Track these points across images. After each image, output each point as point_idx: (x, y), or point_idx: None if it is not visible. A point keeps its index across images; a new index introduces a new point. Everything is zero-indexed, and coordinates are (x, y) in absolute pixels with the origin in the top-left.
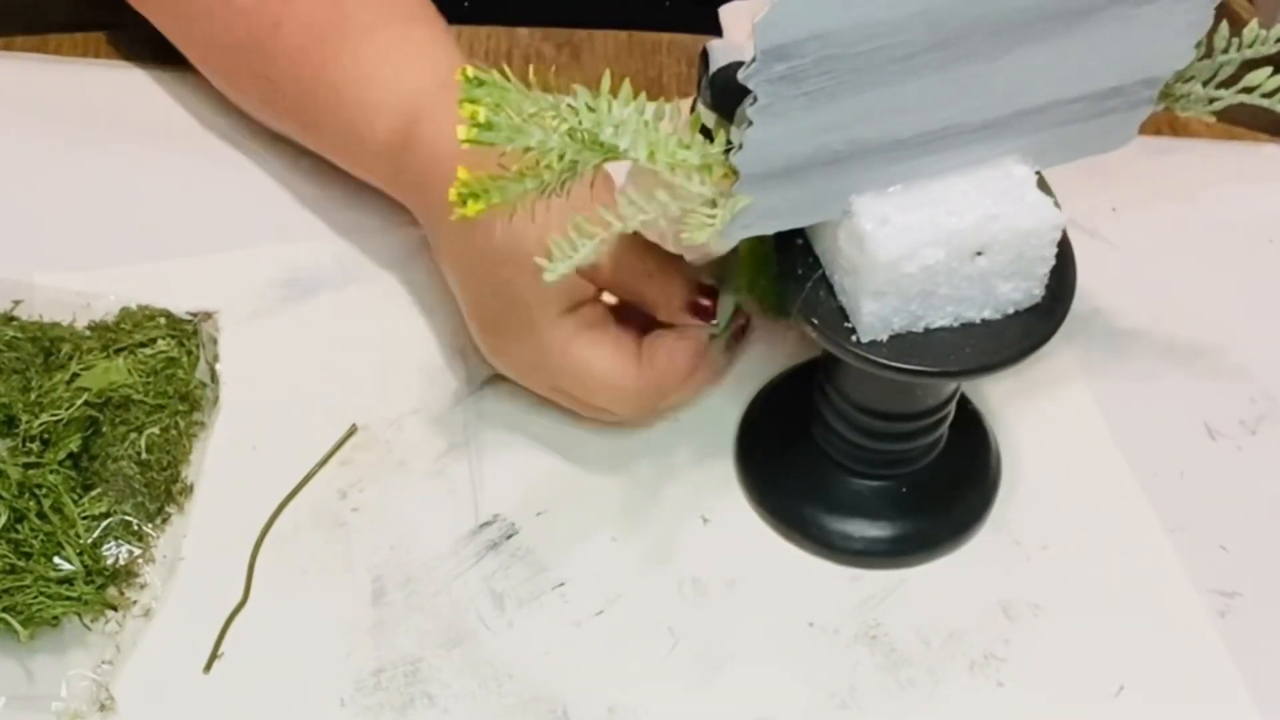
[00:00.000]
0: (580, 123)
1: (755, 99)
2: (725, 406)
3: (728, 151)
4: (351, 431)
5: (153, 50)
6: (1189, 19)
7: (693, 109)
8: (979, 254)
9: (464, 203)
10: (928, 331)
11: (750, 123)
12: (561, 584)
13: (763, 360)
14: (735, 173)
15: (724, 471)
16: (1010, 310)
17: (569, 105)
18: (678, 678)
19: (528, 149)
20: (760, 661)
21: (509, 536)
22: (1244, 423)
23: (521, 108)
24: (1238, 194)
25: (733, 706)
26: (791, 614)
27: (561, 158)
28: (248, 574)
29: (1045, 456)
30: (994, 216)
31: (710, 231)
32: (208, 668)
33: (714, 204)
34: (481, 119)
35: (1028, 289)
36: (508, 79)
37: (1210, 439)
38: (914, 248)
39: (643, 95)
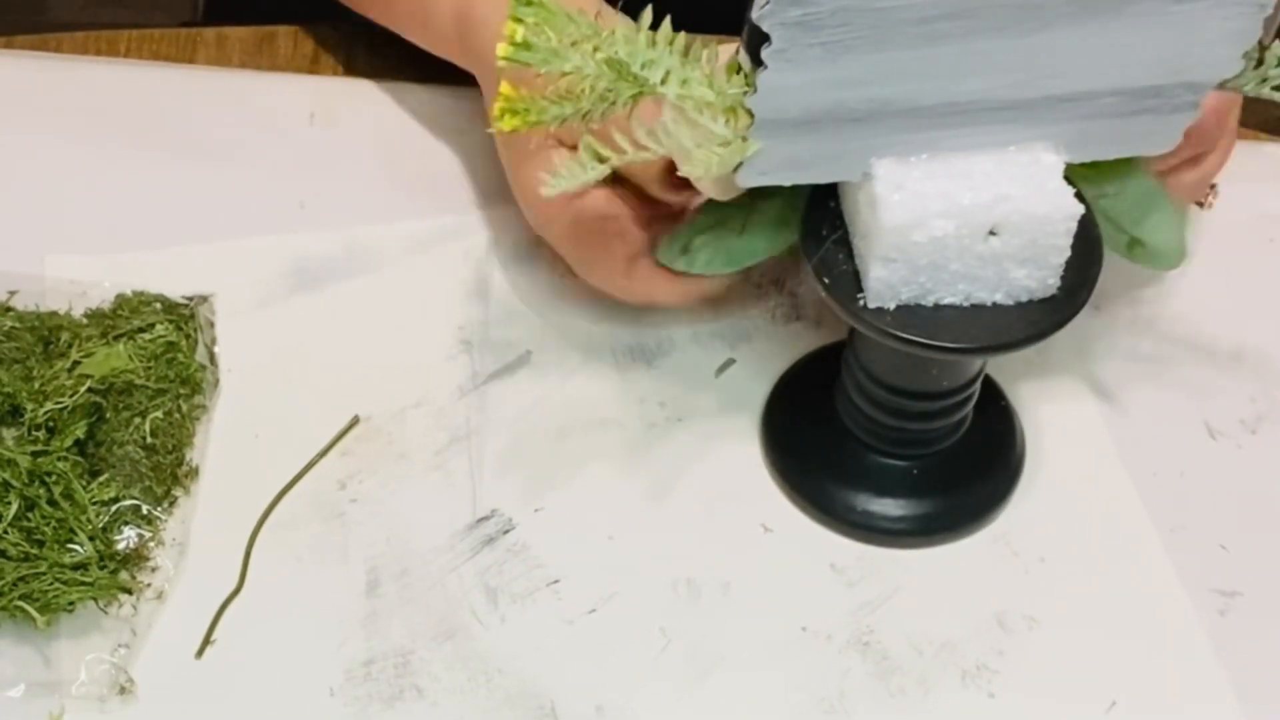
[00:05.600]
0: (616, 52)
1: (770, 41)
2: (730, 408)
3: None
4: (353, 422)
5: (153, 49)
6: (1232, 25)
7: (738, 51)
8: (993, 234)
9: (503, 117)
10: (937, 307)
11: (764, 65)
12: (556, 581)
13: (772, 341)
14: (751, 116)
15: (725, 473)
16: (1024, 298)
17: (609, 34)
18: (667, 679)
19: (563, 74)
20: (751, 665)
21: (506, 532)
22: (1244, 422)
23: (566, 32)
24: (1238, 194)
25: (721, 709)
26: (785, 618)
27: (594, 87)
28: (244, 562)
29: (1048, 464)
30: (1007, 197)
31: (706, 168)
32: (199, 654)
33: (726, 143)
34: (519, 38)
35: (1042, 278)
36: (561, 7)
37: (1210, 438)
38: (923, 217)
39: (681, 35)
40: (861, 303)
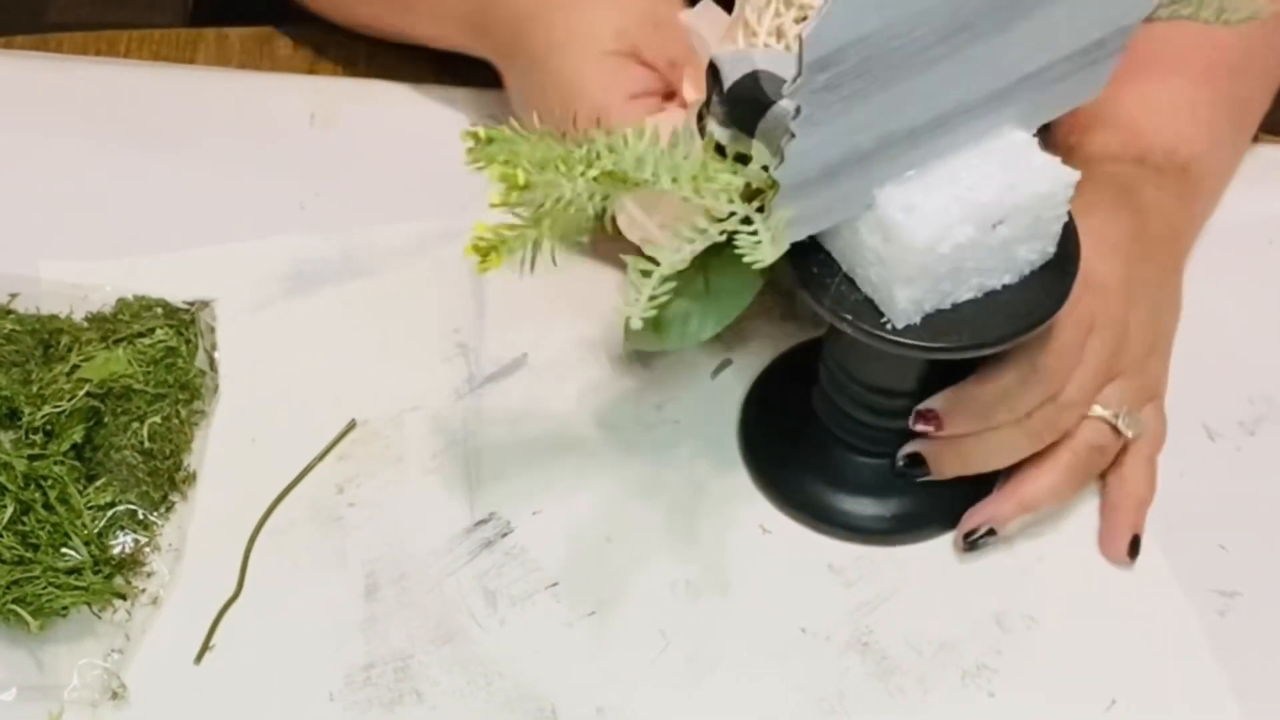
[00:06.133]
0: (606, 166)
1: (799, 111)
2: (727, 410)
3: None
4: (350, 426)
5: (153, 49)
6: None
7: (699, 122)
8: (999, 223)
9: (484, 256)
10: (955, 307)
11: (793, 135)
12: (554, 584)
13: (768, 341)
14: (775, 186)
15: (723, 474)
16: (1027, 271)
17: (589, 146)
18: (667, 680)
19: (558, 199)
20: (750, 666)
21: (504, 535)
22: (1243, 424)
23: (534, 157)
24: (1238, 195)
25: (721, 710)
26: (784, 619)
27: (591, 198)
28: (242, 567)
29: None
30: (1013, 185)
31: (767, 249)
32: (198, 659)
33: (748, 221)
34: (522, 181)
35: (1042, 248)
36: (516, 131)
37: (1209, 440)
38: (945, 228)
39: (655, 127)
40: (889, 326)
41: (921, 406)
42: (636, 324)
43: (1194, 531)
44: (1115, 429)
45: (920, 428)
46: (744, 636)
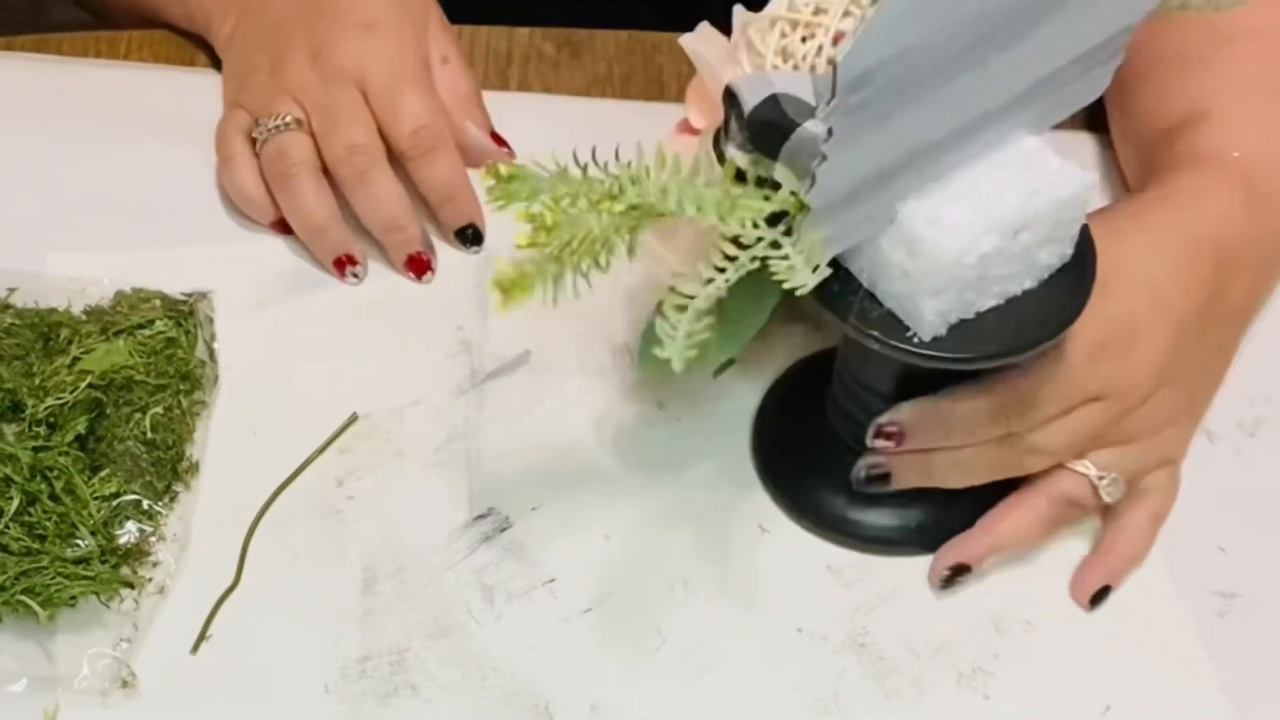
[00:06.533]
0: (631, 199)
1: (830, 133)
2: (729, 408)
3: (776, 189)
4: (352, 420)
5: (153, 50)
6: None
7: (716, 147)
8: (1021, 230)
9: (506, 293)
10: (979, 315)
11: (824, 157)
12: (552, 580)
13: (773, 341)
14: (803, 209)
15: (723, 473)
16: (1046, 275)
17: (611, 180)
18: (662, 678)
19: (585, 236)
20: (746, 665)
21: (502, 530)
22: (1242, 425)
23: (556, 191)
24: None
25: (716, 709)
26: (781, 619)
27: (618, 230)
28: (240, 558)
29: None
30: (1035, 191)
31: (803, 272)
32: (194, 649)
33: (776, 245)
34: (550, 222)
35: (1060, 250)
36: (538, 167)
37: (1209, 442)
38: (972, 240)
39: (676, 156)
40: (915, 339)
41: (883, 420)
42: (679, 366)
43: (1193, 533)
44: (1095, 490)
45: (881, 445)
46: (741, 636)
